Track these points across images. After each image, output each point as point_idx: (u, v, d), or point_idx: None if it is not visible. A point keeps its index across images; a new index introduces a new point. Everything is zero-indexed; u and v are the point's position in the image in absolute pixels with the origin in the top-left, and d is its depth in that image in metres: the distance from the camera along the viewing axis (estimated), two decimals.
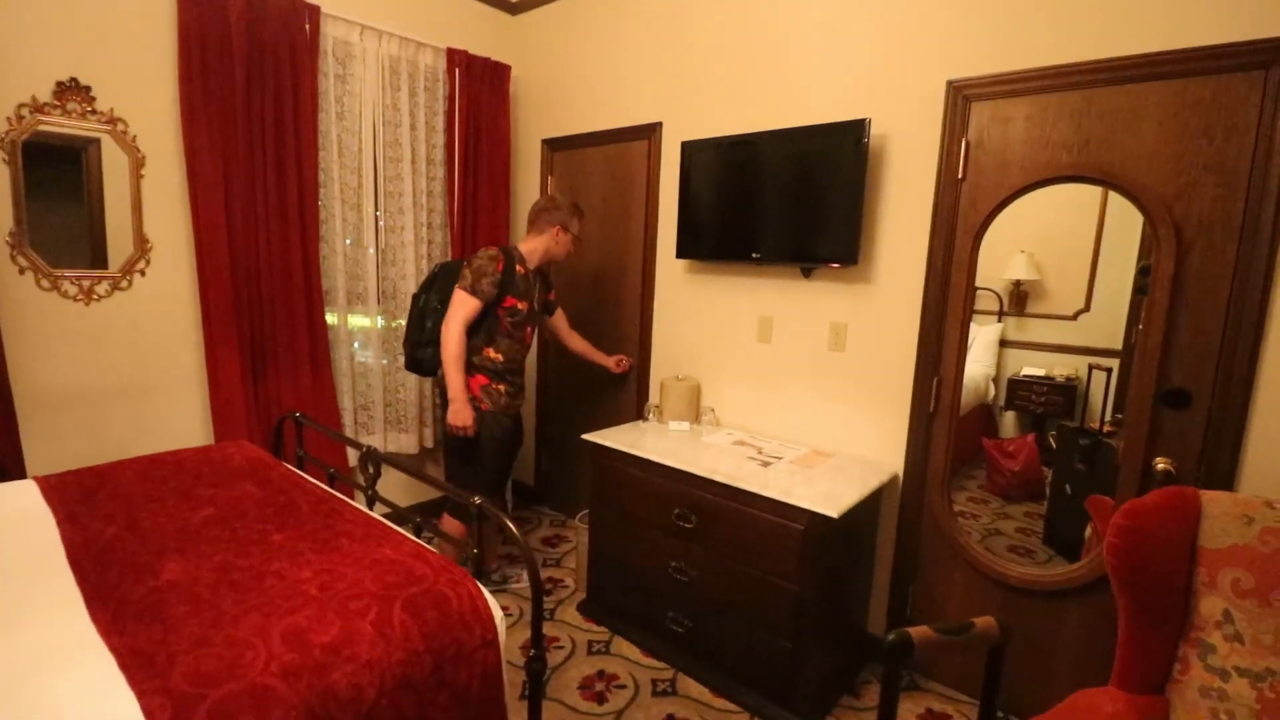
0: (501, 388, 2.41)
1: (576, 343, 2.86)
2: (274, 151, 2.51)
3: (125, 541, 1.47)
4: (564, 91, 3.19)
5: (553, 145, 3.28)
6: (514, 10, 3.36)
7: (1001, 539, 2.33)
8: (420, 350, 2.48)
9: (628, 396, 3.06)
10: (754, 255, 2.40)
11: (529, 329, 2.51)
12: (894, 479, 2.20)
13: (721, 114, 2.57)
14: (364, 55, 2.78)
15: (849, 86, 2.22)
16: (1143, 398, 1.76)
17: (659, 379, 2.83)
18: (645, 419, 2.73)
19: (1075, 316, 2.38)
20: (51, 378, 2.17)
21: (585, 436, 2.46)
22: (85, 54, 2.13)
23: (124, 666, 1.05)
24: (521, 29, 3.37)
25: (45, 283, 2.13)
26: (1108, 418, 2.24)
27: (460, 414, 2.31)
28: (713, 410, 2.68)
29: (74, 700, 0.98)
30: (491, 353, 2.39)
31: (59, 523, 1.56)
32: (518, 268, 2.36)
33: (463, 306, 2.28)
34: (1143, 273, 1.84)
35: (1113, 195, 1.86)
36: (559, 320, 2.79)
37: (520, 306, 2.38)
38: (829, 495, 1.87)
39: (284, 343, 2.61)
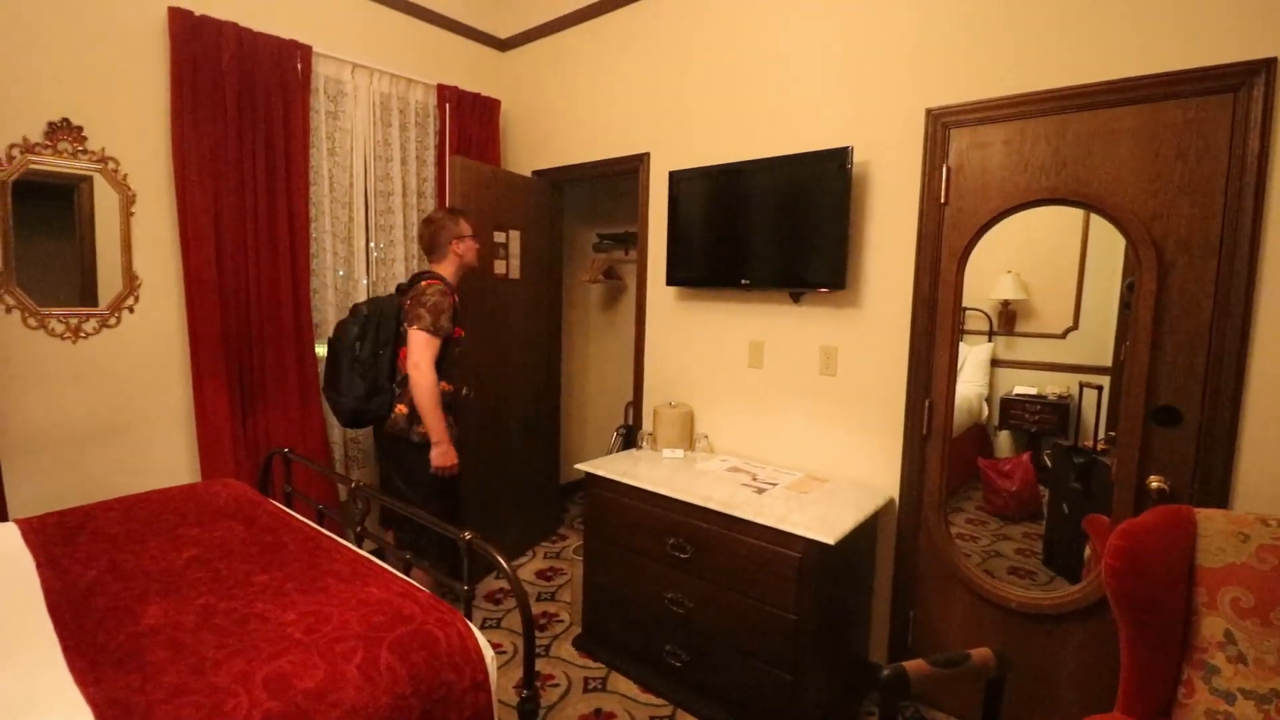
0: (452, 418, 2.35)
1: None
2: (265, 187, 2.52)
3: (106, 585, 1.44)
4: (553, 124, 3.24)
5: (543, 177, 3.32)
6: (503, 46, 3.43)
7: (1002, 560, 2.31)
8: (366, 403, 2.28)
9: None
10: (743, 281, 2.42)
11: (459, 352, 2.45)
12: (890, 503, 2.18)
13: (708, 144, 2.61)
14: (355, 92, 2.82)
15: (832, 115, 2.26)
16: (1133, 416, 1.76)
17: (652, 406, 2.82)
18: (639, 446, 2.71)
19: (1064, 335, 2.39)
20: (37, 417, 2.15)
21: (579, 466, 2.44)
22: (77, 94, 2.16)
23: (100, 718, 1.01)
24: (511, 64, 3.44)
25: (32, 321, 2.12)
26: (1101, 435, 2.24)
27: (450, 454, 2.24)
28: (706, 437, 2.67)
29: None
30: (445, 385, 2.31)
31: (38, 566, 1.53)
32: (455, 296, 2.32)
33: (429, 348, 2.18)
34: (1130, 289, 1.85)
35: (1095, 215, 1.88)
36: None
37: (463, 335, 2.38)
38: (824, 521, 1.85)
39: (273, 377, 2.60)
